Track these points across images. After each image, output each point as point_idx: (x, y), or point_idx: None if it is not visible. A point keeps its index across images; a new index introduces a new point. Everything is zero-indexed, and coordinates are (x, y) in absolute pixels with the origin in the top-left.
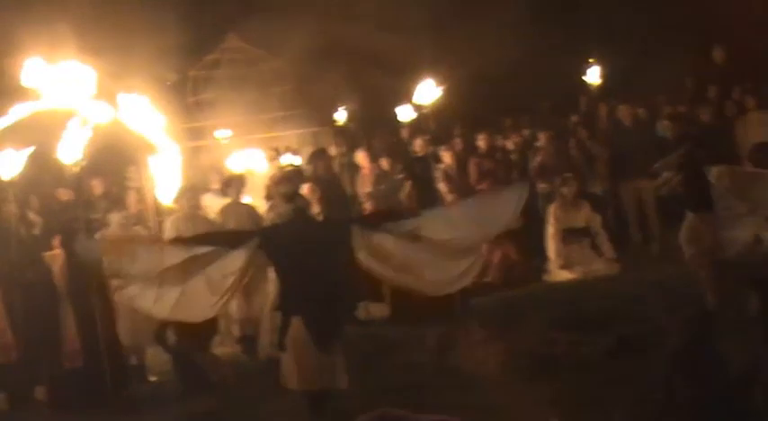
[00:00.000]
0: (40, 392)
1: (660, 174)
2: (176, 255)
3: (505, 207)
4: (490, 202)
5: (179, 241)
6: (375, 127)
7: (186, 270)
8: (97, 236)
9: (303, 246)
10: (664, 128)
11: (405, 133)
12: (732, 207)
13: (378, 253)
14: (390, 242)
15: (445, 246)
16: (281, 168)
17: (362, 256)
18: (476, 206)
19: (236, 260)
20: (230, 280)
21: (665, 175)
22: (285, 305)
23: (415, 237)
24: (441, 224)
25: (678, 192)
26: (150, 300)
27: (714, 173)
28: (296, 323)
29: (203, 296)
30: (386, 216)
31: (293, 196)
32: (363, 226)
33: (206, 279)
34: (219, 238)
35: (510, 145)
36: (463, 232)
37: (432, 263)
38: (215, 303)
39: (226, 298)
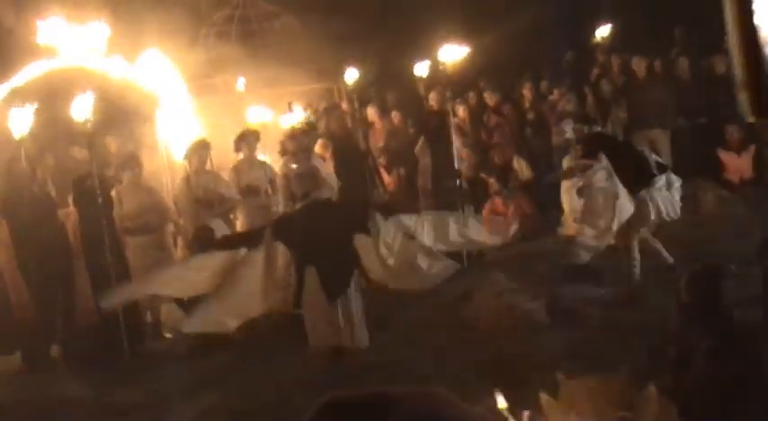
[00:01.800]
0: (55, 350)
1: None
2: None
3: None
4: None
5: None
6: (388, 82)
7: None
8: (112, 193)
9: (318, 230)
10: (572, 131)
11: (421, 88)
12: None
13: (381, 240)
14: (392, 232)
15: (427, 251)
16: (295, 125)
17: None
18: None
19: (258, 259)
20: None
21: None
22: (299, 259)
23: (409, 236)
24: (431, 231)
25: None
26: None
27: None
28: (310, 276)
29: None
30: (395, 207)
31: (308, 193)
32: (380, 211)
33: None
34: (239, 240)
35: (526, 98)
36: (446, 245)
37: (409, 268)
38: (265, 289)
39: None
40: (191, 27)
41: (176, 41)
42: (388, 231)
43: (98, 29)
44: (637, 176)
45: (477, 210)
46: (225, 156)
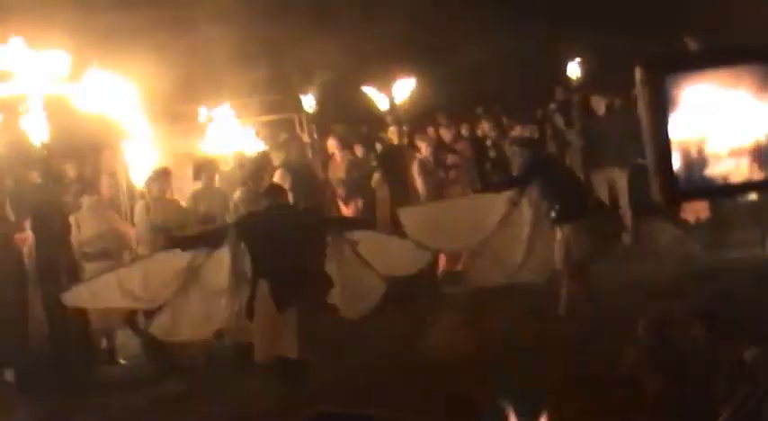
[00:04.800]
0: (9, 375)
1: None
2: (170, 268)
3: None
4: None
5: (165, 249)
6: (347, 115)
7: (182, 285)
8: (71, 219)
9: (278, 231)
10: (512, 152)
11: (387, 120)
12: None
13: (336, 255)
14: (346, 251)
15: (367, 269)
16: (247, 154)
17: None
18: (401, 249)
19: (225, 259)
20: (226, 280)
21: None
22: (254, 271)
23: (355, 250)
24: (374, 248)
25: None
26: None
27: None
28: (261, 287)
29: (210, 304)
30: (355, 222)
31: (272, 191)
32: (336, 227)
33: (202, 288)
34: (199, 240)
35: (487, 134)
36: (382, 266)
37: (350, 285)
38: (226, 304)
39: (234, 296)
40: (155, 55)
41: (139, 69)
42: (341, 247)
43: (58, 54)
44: (569, 208)
45: None
46: (185, 184)
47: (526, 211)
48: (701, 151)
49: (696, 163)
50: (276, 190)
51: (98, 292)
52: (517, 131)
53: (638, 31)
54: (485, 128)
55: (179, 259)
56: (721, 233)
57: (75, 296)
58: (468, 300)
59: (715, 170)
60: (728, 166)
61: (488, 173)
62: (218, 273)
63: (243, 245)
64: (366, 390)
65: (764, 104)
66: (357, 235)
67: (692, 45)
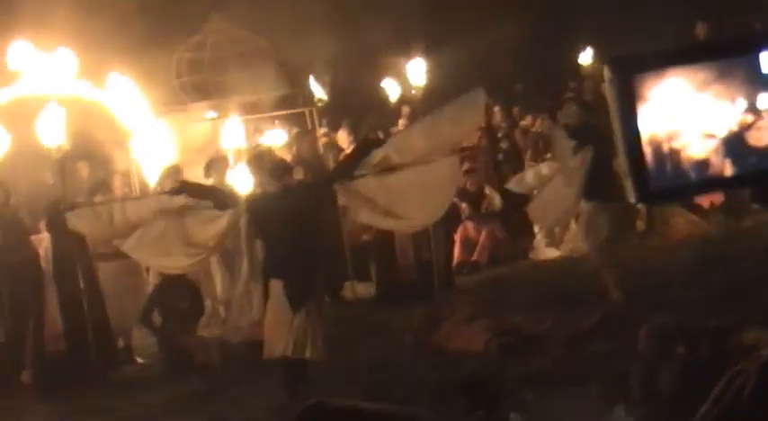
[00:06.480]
0: (26, 376)
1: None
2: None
3: (460, 118)
4: (443, 117)
5: (172, 193)
6: (358, 107)
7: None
8: None
9: (287, 212)
10: (569, 114)
11: (392, 112)
12: None
13: (362, 199)
14: (371, 183)
15: (417, 167)
16: (253, 149)
17: (350, 207)
18: (431, 120)
19: (220, 221)
20: (212, 240)
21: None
22: (266, 270)
23: (389, 168)
24: (406, 145)
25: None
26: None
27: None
28: (274, 287)
29: (177, 243)
30: (356, 154)
31: (283, 174)
32: (343, 179)
33: (182, 227)
34: (208, 195)
35: (499, 125)
36: (428, 145)
37: (411, 194)
38: (192, 254)
39: (203, 255)
40: (163, 53)
41: (149, 67)
42: (365, 185)
43: (67, 54)
44: (597, 185)
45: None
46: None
47: (578, 174)
48: (672, 148)
49: (669, 160)
50: (286, 169)
51: (101, 217)
52: (528, 121)
53: (651, 17)
54: (496, 118)
55: (176, 201)
56: (735, 218)
57: (78, 218)
58: (482, 289)
59: (687, 167)
60: (701, 162)
61: (500, 163)
62: (203, 227)
63: (254, 228)
64: (380, 383)
65: (731, 100)
66: (378, 154)
67: (701, 31)
